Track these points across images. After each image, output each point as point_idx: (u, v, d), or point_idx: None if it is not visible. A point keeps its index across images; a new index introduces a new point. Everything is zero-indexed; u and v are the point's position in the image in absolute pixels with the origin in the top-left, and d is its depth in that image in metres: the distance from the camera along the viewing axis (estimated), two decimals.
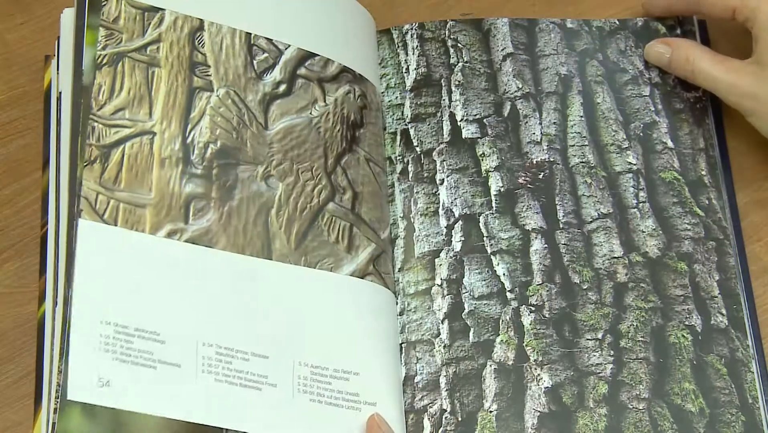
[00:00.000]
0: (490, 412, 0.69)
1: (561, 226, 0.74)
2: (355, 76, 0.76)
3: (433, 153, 0.77)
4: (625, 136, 0.78)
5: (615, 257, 0.73)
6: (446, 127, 0.77)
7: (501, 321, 0.72)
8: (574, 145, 0.77)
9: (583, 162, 0.77)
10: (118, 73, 0.70)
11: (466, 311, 0.72)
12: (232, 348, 0.66)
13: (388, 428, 0.67)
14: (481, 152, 0.77)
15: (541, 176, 0.76)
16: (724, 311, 0.72)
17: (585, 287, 0.72)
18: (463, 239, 0.74)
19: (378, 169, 0.75)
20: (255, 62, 0.74)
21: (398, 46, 0.80)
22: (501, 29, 0.81)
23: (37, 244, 0.74)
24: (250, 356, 0.66)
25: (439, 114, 0.78)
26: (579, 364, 0.70)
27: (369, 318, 0.70)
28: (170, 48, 0.72)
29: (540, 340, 0.71)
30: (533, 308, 0.72)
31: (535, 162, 0.77)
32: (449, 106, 0.78)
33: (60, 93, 0.71)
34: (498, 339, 0.71)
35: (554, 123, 0.78)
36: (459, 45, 0.80)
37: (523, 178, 0.76)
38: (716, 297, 0.72)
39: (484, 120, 0.78)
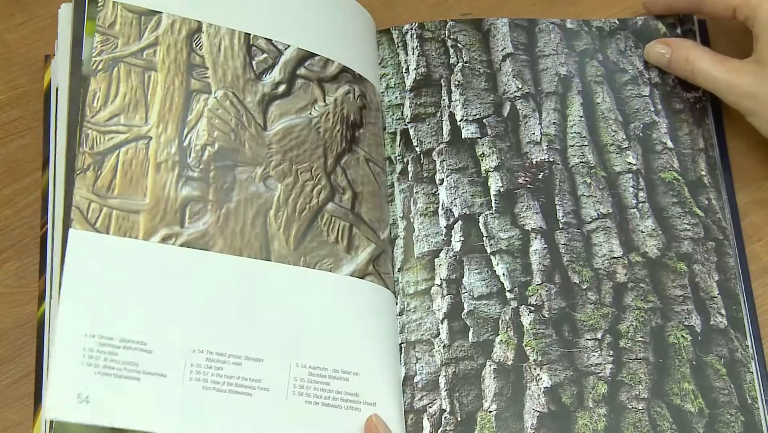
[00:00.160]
0: (490, 412, 0.69)
1: (560, 226, 0.74)
2: (355, 76, 0.76)
3: (433, 153, 0.77)
4: (624, 137, 0.78)
5: (614, 257, 0.73)
6: (446, 127, 0.77)
7: (500, 321, 0.72)
8: (573, 146, 0.77)
9: (582, 162, 0.77)
10: (114, 79, 0.70)
11: (466, 311, 0.72)
12: (224, 353, 0.66)
13: (386, 429, 0.67)
14: (480, 152, 0.77)
15: (540, 176, 0.76)
16: (723, 312, 0.72)
17: (584, 287, 0.73)
18: (462, 239, 0.74)
19: (378, 170, 0.75)
20: (254, 63, 0.74)
21: (398, 46, 0.80)
22: (501, 29, 0.81)
23: (37, 244, 0.74)
24: (243, 360, 0.66)
25: (438, 114, 0.78)
26: (578, 364, 0.70)
27: (368, 318, 0.70)
28: (167, 51, 0.72)
29: (539, 340, 0.71)
30: (533, 308, 0.72)
31: (534, 162, 0.77)
32: (449, 106, 0.78)
33: (57, 88, 0.71)
34: (497, 339, 0.71)
35: (554, 123, 0.78)
36: (459, 45, 0.80)
37: (522, 178, 0.76)
38: (716, 297, 0.72)
39: (484, 120, 0.78)
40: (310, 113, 0.74)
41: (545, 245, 0.74)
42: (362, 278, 0.71)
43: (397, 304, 0.72)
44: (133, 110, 0.70)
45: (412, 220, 0.75)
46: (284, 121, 0.73)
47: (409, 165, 0.77)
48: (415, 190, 0.76)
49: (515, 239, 0.74)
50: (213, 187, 0.70)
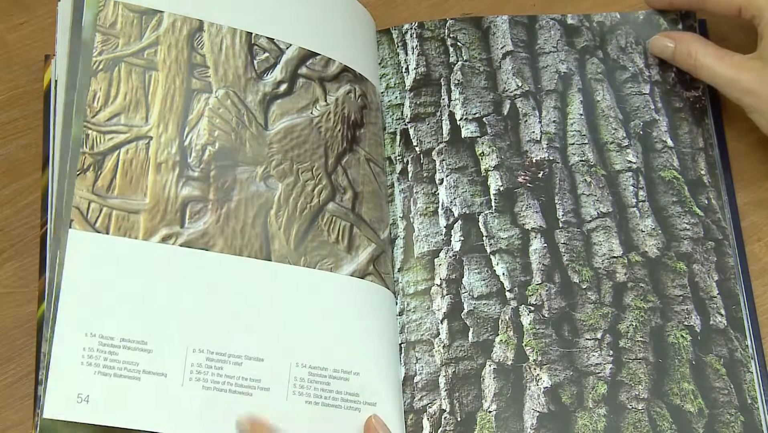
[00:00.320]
0: (490, 412, 0.69)
1: (560, 225, 0.74)
2: (356, 75, 0.76)
3: (433, 153, 0.77)
4: (624, 135, 0.78)
5: (614, 257, 0.73)
6: (446, 126, 0.77)
7: (500, 321, 0.72)
8: (573, 144, 0.77)
9: (582, 161, 0.77)
10: (114, 79, 0.70)
11: (466, 310, 0.72)
12: (224, 353, 0.66)
13: (386, 429, 0.67)
14: (480, 151, 0.77)
15: (540, 175, 0.76)
16: (723, 312, 0.72)
17: (584, 287, 0.73)
18: (462, 238, 0.74)
19: (378, 169, 0.75)
20: (255, 62, 0.74)
21: (398, 46, 0.80)
22: (501, 27, 0.81)
23: (37, 244, 0.74)
24: (243, 360, 0.66)
25: (438, 113, 0.78)
26: (578, 364, 0.70)
27: (369, 318, 0.70)
28: (168, 51, 0.72)
29: (539, 340, 0.71)
30: (532, 308, 0.72)
31: (534, 161, 0.77)
32: (449, 106, 0.78)
33: (56, 82, 0.70)
34: (497, 339, 0.71)
35: (554, 121, 0.78)
36: (458, 44, 0.80)
37: (522, 177, 0.76)
38: (715, 297, 0.72)
39: (484, 119, 0.78)
40: (311, 113, 0.74)
41: (545, 245, 0.74)
42: (362, 278, 0.71)
43: (397, 304, 0.72)
44: (134, 110, 0.70)
45: (411, 220, 0.75)
46: (285, 120, 0.73)
47: (409, 165, 0.77)
48: (414, 190, 0.76)
49: (515, 239, 0.74)
50: (213, 187, 0.70)
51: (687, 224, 0.74)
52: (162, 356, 0.65)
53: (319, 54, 0.75)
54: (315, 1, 0.78)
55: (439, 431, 0.69)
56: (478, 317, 0.72)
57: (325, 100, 0.74)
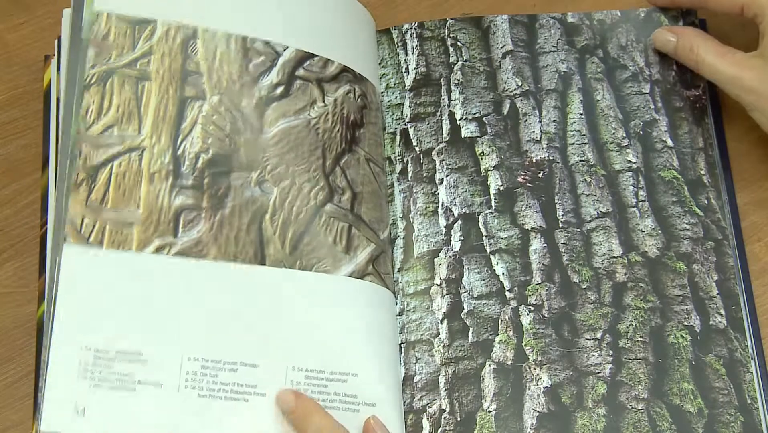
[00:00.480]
0: (489, 412, 0.69)
1: (560, 225, 0.74)
2: (356, 75, 0.76)
3: (433, 152, 0.77)
4: (624, 134, 0.78)
5: (614, 257, 0.73)
6: (445, 126, 0.77)
7: (500, 321, 0.72)
8: (573, 144, 0.77)
9: (582, 160, 0.77)
10: (107, 91, 0.69)
11: (465, 310, 0.72)
12: (219, 360, 0.66)
13: (385, 430, 0.67)
14: (480, 151, 0.77)
15: (540, 175, 0.76)
16: (722, 312, 0.72)
17: (584, 287, 0.73)
18: (462, 238, 0.74)
19: (378, 170, 0.75)
20: (251, 66, 0.73)
21: (398, 46, 0.80)
22: (501, 26, 0.81)
23: (37, 244, 0.74)
24: (238, 366, 0.66)
25: (438, 113, 0.78)
26: (578, 364, 0.70)
27: (367, 319, 0.70)
28: (161, 60, 0.71)
29: (539, 340, 0.71)
30: (532, 308, 0.72)
31: (534, 160, 0.76)
32: (449, 106, 0.78)
33: (58, 98, 0.71)
34: (497, 339, 0.71)
35: (554, 121, 0.78)
36: (458, 43, 0.80)
37: (522, 176, 0.76)
38: (715, 297, 0.72)
39: (484, 118, 0.78)
40: (308, 114, 0.73)
41: (545, 244, 0.74)
42: (361, 279, 0.70)
43: (396, 304, 0.72)
44: (127, 122, 0.69)
45: (411, 220, 0.75)
46: (281, 123, 0.72)
47: (409, 165, 0.77)
48: (414, 190, 0.76)
49: (515, 238, 0.74)
50: (207, 195, 0.69)
51: (687, 223, 0.74)
52: (157, 366, 0.65)
53: (318, 55, 0.75)
54: (315, 2, 0.77)
55: (439, 430, 0.69)
56: (477, 317, 0.72)
57: (323, 101, 0.74)
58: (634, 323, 0.71)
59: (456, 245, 0.74)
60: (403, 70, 0.79)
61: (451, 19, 0.81)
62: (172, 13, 0.72)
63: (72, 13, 0.70)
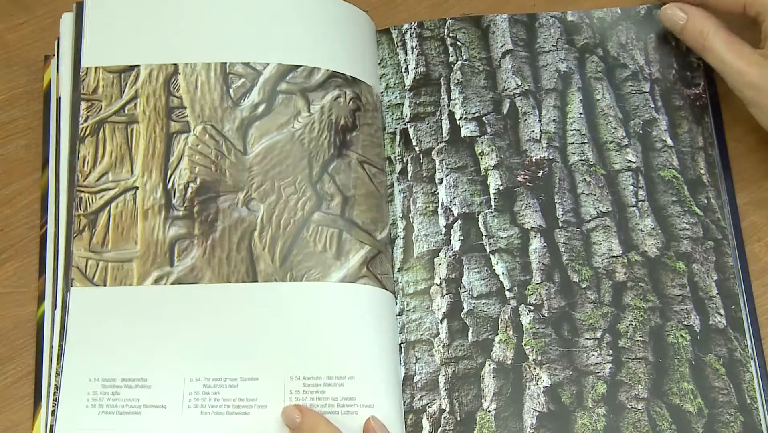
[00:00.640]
0: (489, 411, 0.69)
1: (560, 224, 0.74)
2: (346, 79, 0.76)
3: (432, 152, 0.77)
4: (624, 134, 0.78)
5: (614, 256, 0.73)
6: (445, 126, 0.77)
7: (500, 320, 0.72)
8: (573, 143, 0.77)
9: (582, 160, 0.77)
10: (101, 140, 0.73)
11: (465, 310, 0.72)
12: (220, 378, 0.68)
13: (384, 430, 0.67)
14: (480, 151, 0.77)
15: (540, 174, 0.76)
16: (722, 311, 0.72)
17: (584, 286, 0.73)
18: (462, 238, 0.74)
19: (374, 170, 0.75)
20: (231, 90, 0.75)
21: (397, 46, 0.80)
22: (500, 26, 0.81)
23: (37, 244, 0.74)
24: (238, 382, 0.68)
25: (438, 113, 0.78)
26: (578, 363, 0.70)
27: (363, 321, 0.70)
28: (147, 101, 0.74)
29: (539, 339, 0.71)
30: (532, 307, 0.72)
31: (534, 160, 0.76)
32: (448, 105, 0.78)
33: (59, 98, 0.73)
34: (497, 338, 0.71)
35: (553, 120, 0.78)
36: (458, 43, 0.80)
37: (522, 176, 0.76)
38: (715, 297, 0.72)
39: (483, 118, 0.78)
40: (292, 126, 0.74)
41: (545, 244, 0.74)
42: (355, 282, 0.71)
43: (396, 304, 0.72)
44: (120, 165, 0.73)
45: (411, 219, 0.75)
46: (265, 140, 0.74)
47: (409, 165, 0.77)
48: (414, 190, 0.76)
49: (515, 238, 0.74)
50: (198, 222, 0.72)
51: (686, 223, 0.74)
52: (161, 389, 0.68)
53: (301, 66, 0.75)
54: (299, 11, 0.77)
55: (439, 430, 0.69)
56: (477, 317, 0.72)
57: (308, 111, 0.75)
58: (633, 323, 0.71)
59: (456, 245, 0.74)
60: (403, 69, 0.79)
61: (451, 18, 0.81)
62: (153, 55, 0.75)
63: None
